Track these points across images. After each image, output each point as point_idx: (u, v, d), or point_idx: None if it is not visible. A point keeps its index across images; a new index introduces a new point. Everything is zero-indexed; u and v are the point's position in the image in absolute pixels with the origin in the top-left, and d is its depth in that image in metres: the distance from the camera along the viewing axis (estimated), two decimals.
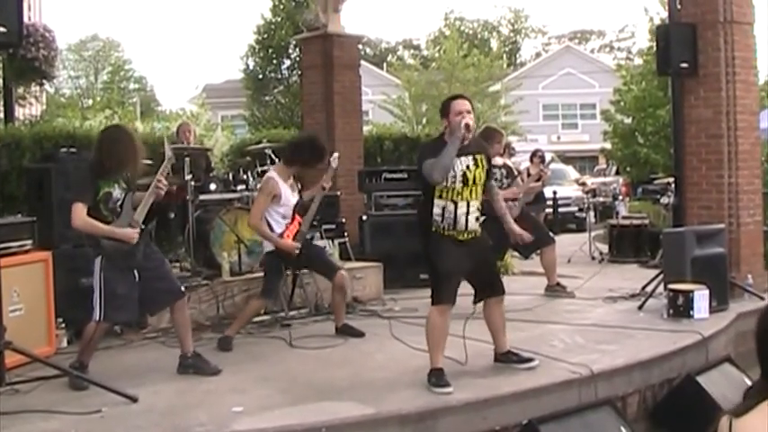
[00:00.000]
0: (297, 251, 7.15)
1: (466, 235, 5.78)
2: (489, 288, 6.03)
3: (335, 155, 7.67)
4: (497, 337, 6.16)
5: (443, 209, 5.71)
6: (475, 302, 6.08)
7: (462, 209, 5.73)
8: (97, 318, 5.77)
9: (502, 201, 6.43)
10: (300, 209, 7.32)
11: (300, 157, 7.32)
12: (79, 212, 5.59)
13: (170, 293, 6.05)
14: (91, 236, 5.73)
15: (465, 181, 5.74)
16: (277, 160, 7.73)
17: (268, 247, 7.23)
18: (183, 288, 6.25)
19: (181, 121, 14.05)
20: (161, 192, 5.86)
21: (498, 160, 8.71)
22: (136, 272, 5.84)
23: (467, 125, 5.66)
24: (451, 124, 5.74)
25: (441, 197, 5.72)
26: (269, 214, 7.16)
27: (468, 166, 5.75)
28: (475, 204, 5.81)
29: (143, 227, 5.83)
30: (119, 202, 5.81)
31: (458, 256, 5.72)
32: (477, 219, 5.85)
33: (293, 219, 7.24)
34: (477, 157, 5.83)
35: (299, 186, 7.47)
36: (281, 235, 7.13)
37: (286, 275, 7.77)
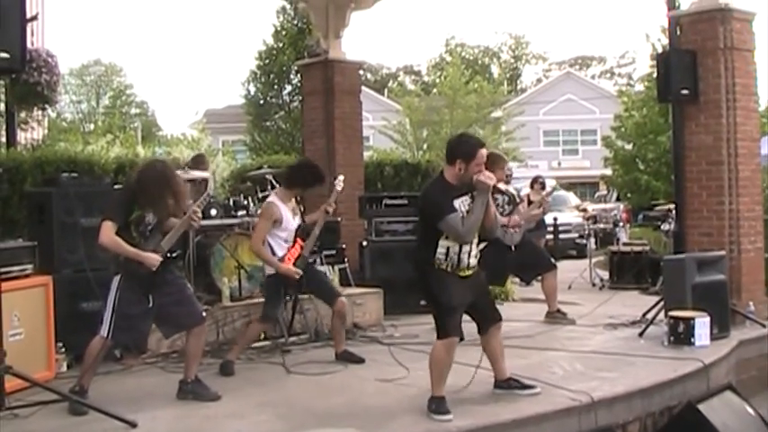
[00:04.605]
0: (298, 276, 7.15)
1: (467, 271, 5.78)
2: (490, 316, 6.02)
3: (340, 177, 7.67)
4: (497, 365, 6.12)
5: (448, 249, 5.66)
6: (481, 333, 6.04)
7: (466, 248, 5.71)
8: (104, 334, 5.80)
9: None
10: (302, 232, 7.31)
11: (301, 180, 7.33)
12: (107, 230, 5.69)
13: (190, 317, 6.08)
14: (114, 254, 5.81)
15: None
16: (278, 185, 7.73)
17: (269, 270, 7.22)
18: (203, 314, 6.26)
19: (197, 153, 14.20)
20: (194, 225, 5.97)
21: (501, 186, 8.70)
22: (150, 297, 5.85)
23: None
24: (469, 171, 5.60)
25: (447, 238, 5.64)
26: (272, 237, 7.16)
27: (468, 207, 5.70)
28: (475, 242, 5.81)
29: (168, 255, 5.88)
30: (149, 227, 5.86)
31: (461, 289, 5.70)
32: (476, 255, 5.87)
33: (294, 242, 7.24)
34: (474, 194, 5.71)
35: (302, 209, 7.46)
36: (283, 258, 7.13)
37: (286, 300, 7.76)
